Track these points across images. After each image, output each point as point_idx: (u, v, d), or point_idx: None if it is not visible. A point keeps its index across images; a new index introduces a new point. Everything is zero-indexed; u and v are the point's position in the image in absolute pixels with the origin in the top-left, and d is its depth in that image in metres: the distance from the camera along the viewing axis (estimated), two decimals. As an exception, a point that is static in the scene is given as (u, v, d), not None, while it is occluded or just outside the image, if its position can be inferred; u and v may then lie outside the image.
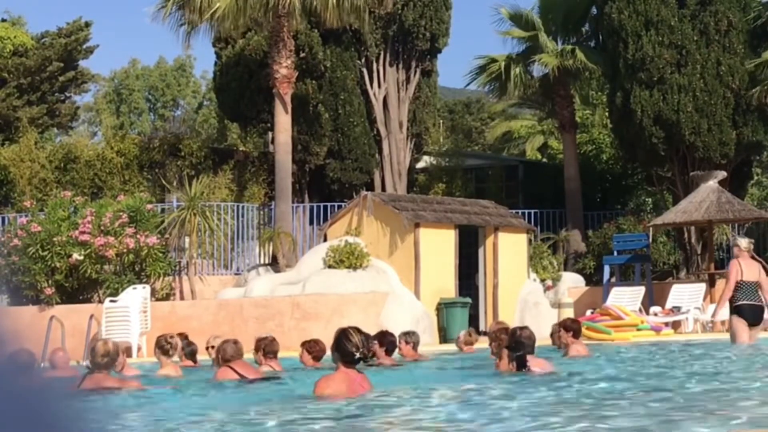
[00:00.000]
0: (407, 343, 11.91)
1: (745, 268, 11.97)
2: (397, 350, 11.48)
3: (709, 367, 10.05)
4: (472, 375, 9.92)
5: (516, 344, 8.73)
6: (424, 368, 11.23)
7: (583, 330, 14.73)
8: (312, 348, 10.39)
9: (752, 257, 12.43)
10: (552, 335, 12.53)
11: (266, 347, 10.09)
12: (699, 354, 11.92)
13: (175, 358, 10.80)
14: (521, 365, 8.48)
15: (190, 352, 11.72)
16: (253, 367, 9.69)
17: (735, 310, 11.94)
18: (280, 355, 10.55)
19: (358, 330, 7.11)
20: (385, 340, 10.83)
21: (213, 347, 11.04)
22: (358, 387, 6.93)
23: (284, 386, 8.98)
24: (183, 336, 12.00)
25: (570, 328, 11.07)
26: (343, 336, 6.99)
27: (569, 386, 7.87)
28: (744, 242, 12.30)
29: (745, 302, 11.86)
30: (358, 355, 6.90)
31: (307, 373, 9.74)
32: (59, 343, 14.39)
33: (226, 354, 9.28)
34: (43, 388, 1.90)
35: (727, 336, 12.94)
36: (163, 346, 10.06)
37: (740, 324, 11.87)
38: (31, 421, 1.74)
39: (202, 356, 11.88)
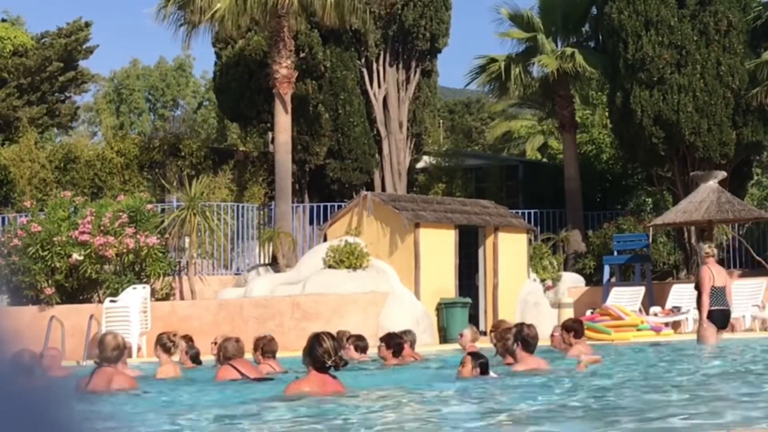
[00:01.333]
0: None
1: (715, 273, 12.60)
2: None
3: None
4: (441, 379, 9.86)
5: (522, 341, 8.75)
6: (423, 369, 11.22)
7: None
8: None
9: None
10: (551, 336, 12.51)
11: (264, 346, 10.08)
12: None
13: (175, 358, 10.79)
14: (484, 371, 8.47)
15: (195, 355, 11.71)
16: (254, 366, 9.69)
17: (707, 315, 12.48)
18: (279, 354, 10.54)
19: (331, 336, 7.08)
20: (392, 342, 10.81)
21: (215, 343, 11.07)
22: (331, 390, 6.91)
23: (280, 385, 8.97)
24: (187, 338, 12.02)
25: (571, 328, 11.08)
26: (315, 341, 6.95)
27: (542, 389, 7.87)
28: (705, 246, 12.98)
29: (716, 308, 12.45)
30: (329, 362, 6.86)
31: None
32: (59, 343, 14.38)
33: (227, 351, 9.29)
34: (44, 389, 1.90)
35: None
36: (165, 344, 10.02)
37: (711, 329, 12.44)
38: (33, 423, 1.74)
39: (206, 357, 11.88)
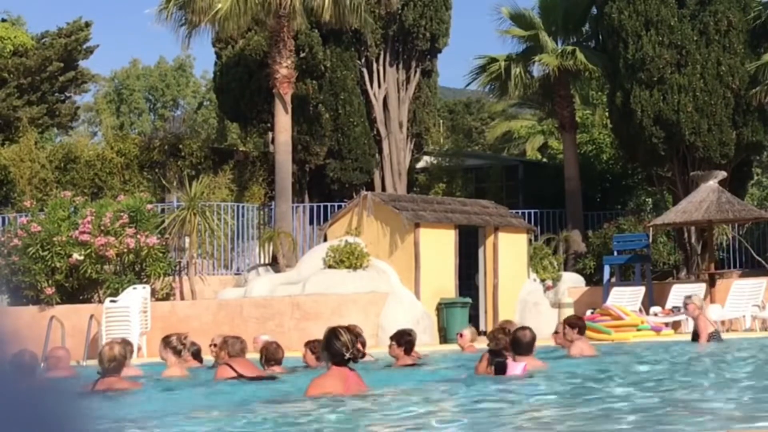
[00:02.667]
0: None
1: (708, 321, 13.26)
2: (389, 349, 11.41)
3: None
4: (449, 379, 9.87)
5: (515, 345, 8.77)
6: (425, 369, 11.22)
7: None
8: (316, 348, 10.34)
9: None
10: (554, 334, 12.51)
11: (267, 354, 10.00)
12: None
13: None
14: (499, 371, 8.46)
15: (196, 351, 11.72)
16: (253, 365, 9.68)
17: None
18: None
19: (347, 329, 7.06)
20: (403, 339, 10.75)
21: (215, 345, 11.06)
22: (353, 385, 6.92)
23: (284, 385, 8.98)
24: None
25: (575, 324, 11.10)
26: (332, 335, 6.93)
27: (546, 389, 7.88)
28: (698, 299, 13.54)
29: None
30: (347, 355, 6.85)
31: (309, 374, 9.73)
32: (59, 343, 14.39)
33: (234, 349, 9.28)
34: (46, 389, 1.89)
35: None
36: (175, 347, 9.98)
37: None
38: (35, 423, 1.74)
39: (205, 358, 11.90)
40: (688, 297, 13.88)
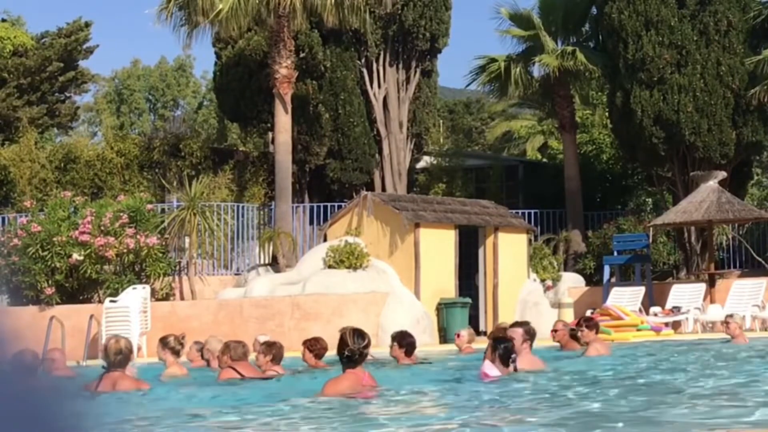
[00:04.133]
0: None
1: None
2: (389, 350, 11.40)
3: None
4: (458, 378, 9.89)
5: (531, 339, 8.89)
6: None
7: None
8: (313, 346, 10.36)
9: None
10: (553, 332, 12.54)
11: (276, 353, 10.01)
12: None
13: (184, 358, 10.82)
14: (506, 356, 8.36)
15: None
16: (256, 369, 9.68)
17: None
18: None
19: (355, 331, 7.19)
20: (405, 341, 10.74)
21: (206, 348, 11.09)
22: (366, 387, 7.00)
23: (286, 386, 8.98)
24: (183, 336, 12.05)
25: (593, 325, 11.36)
26: (340, 338, 7.16)
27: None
28: (738, 318, 14.22)
29: None
30: (346, 352, 7.01)
31: (310, 373, 9.74)
32: (59, 344, 14.39)
33: (236, 353, 9.29)
34: (47, 389, 1.89)
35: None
36: (173, 347, 9.99)
37: None
38: (36, 422, 1.74)
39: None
40: (730, 316, 14.12)
